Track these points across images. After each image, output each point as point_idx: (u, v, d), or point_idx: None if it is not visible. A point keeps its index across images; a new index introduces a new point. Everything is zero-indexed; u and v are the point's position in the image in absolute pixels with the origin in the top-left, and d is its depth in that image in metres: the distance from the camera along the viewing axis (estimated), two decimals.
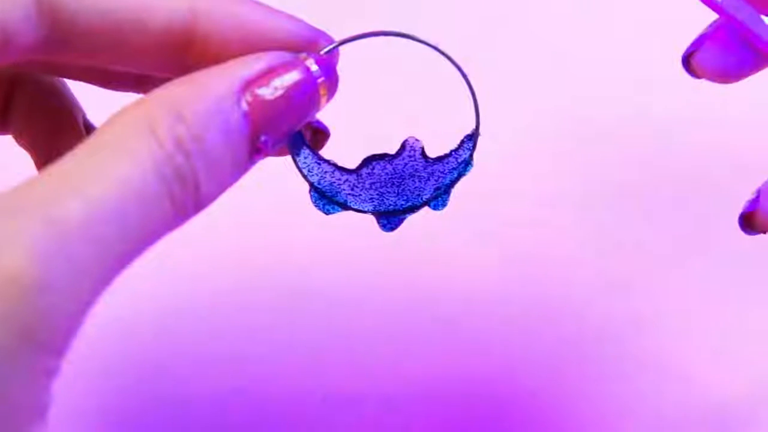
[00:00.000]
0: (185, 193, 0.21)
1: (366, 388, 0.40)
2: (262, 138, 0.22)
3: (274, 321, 0.42)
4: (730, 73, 0.28)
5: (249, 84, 0.22)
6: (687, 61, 0.29)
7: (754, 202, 0.28)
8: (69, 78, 0.27)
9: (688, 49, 0.29)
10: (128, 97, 0.24)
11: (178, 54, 0.24)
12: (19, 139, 0.28)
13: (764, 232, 0.29)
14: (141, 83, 0.27)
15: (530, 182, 0.46)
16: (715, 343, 0.41)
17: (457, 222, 0.40)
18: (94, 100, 0.29)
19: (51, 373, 0.19)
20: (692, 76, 0.29)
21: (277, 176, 0.29)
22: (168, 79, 0.23)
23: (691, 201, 0.45)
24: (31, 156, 0.27)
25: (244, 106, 0.22)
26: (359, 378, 0.40)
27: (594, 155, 0.47)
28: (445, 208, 0.28)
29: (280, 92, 0.23)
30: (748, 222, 0.29)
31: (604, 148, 0.47)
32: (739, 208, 0.29)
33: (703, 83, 0.29)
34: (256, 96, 0.22)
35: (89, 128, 0.28)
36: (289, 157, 0.26)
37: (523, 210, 0.45)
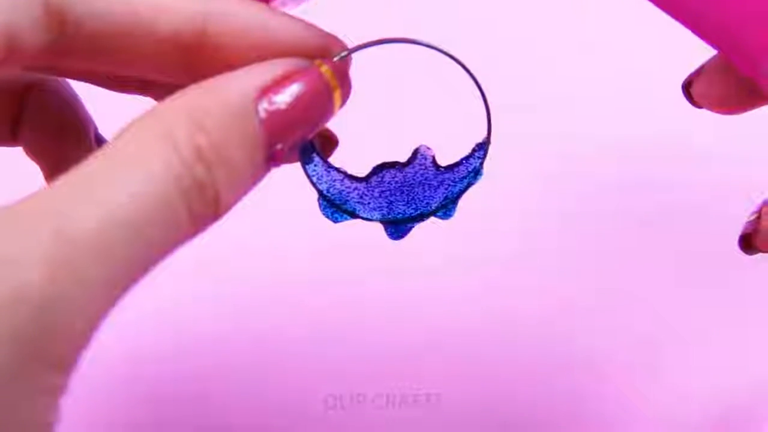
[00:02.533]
0: (204, 205, 0.20)
1: (368, 390, 0.39)
2: (278, 146, 0.22)
3: (275, 325, 0.41)
4: (730, 104, 0.28)
5: (265, 92, 0.22)
6: (687, 90, 0.29)
7: (754, 223, 0.28)
8: (72, 78, 0.27)
9: (688, 77, 0.29)
10: (138, 103, 0.23)
11: (187, 59, 0.23)
12: (29, 151, 0.27)
13: (764, 251, 0.29)
14: (146, 85, 0.26)
15: (533, 203, 0.46)
16: (714, 352, 0.41)
17: (460, 242, 0.40)
18: (103, 108, 0.28)
19: (58, 390, 0.19)
20: (693, 105, 0.29)
21: (282, 183, 0.28)
22: (175, 84, 0.22)
23: (688, 222, 0.45)
24: (41, 168, 0.27)
25: (262, 114, 0.21)
26: (359, 382, 0.40)
27: (598, 176, 0.47)
28: (449, 221, 0.27)
29: (295, 100, 0.22)
30: (748, 243, 0.29)
31: (609, 169, 0.47)
32: (730, 226, 0.29)
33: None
34: (272, 104, 0.22)
35: (100, 142, 0.27)
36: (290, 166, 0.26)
37: (526, 231, 0.45)
